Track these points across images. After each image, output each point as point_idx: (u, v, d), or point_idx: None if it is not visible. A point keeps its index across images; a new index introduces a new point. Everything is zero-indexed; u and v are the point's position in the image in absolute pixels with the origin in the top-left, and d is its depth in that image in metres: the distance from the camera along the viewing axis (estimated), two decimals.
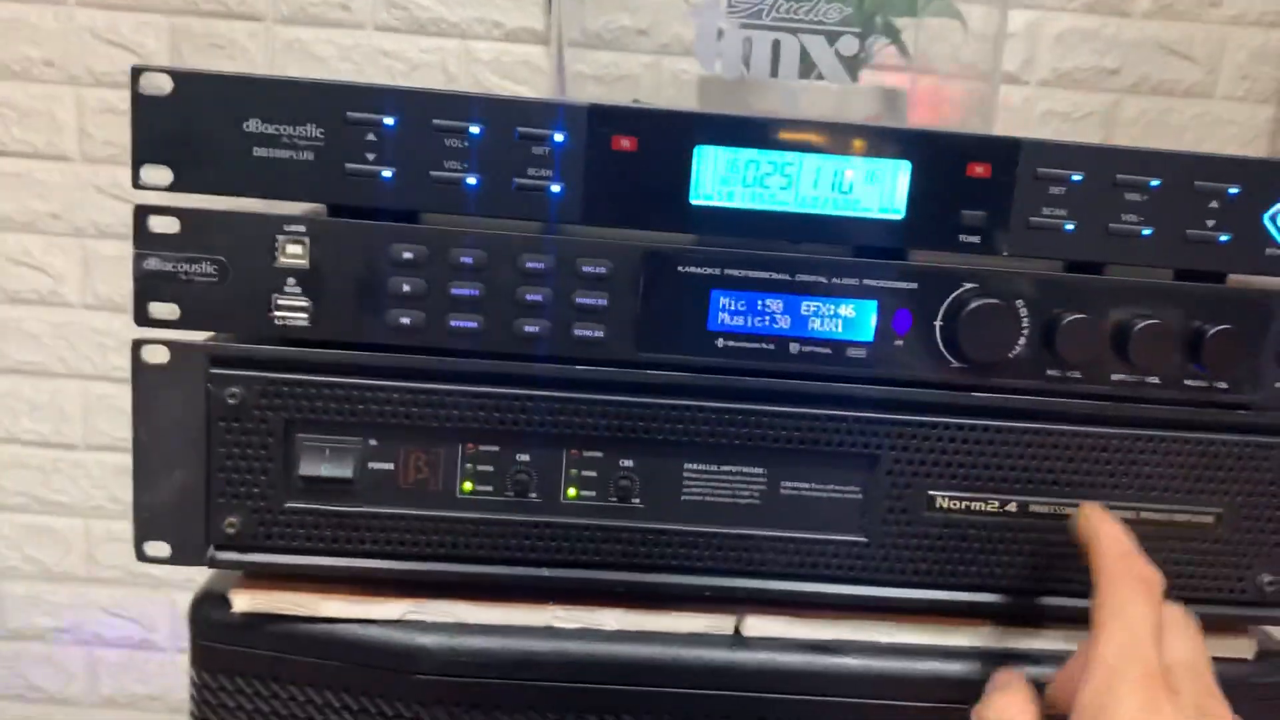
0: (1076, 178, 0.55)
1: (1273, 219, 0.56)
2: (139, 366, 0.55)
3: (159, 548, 0.57)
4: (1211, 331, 0.56)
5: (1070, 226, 0.55)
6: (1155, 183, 0.55)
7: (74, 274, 1.16)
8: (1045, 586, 0.59)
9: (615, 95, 1.12)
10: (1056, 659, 0.59)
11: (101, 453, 1.20)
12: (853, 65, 0.76)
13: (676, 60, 1.08)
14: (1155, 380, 0.57)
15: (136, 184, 0.53)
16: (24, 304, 1.17)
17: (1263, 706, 0.62)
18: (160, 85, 0.52)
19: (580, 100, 0.54)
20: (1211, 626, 0.60)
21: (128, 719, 1.27)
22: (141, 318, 0.55)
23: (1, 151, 1.14)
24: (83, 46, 1.12)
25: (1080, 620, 0.58)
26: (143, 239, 0.54)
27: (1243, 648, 0.62)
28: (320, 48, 1.13)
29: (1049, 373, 0.57)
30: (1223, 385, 0.57)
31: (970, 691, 0.57)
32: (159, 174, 0.53)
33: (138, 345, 0.55)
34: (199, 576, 0.61)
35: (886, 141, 0.55)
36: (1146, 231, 0.56)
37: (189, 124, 0.53)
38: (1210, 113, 1.17)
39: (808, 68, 0.57)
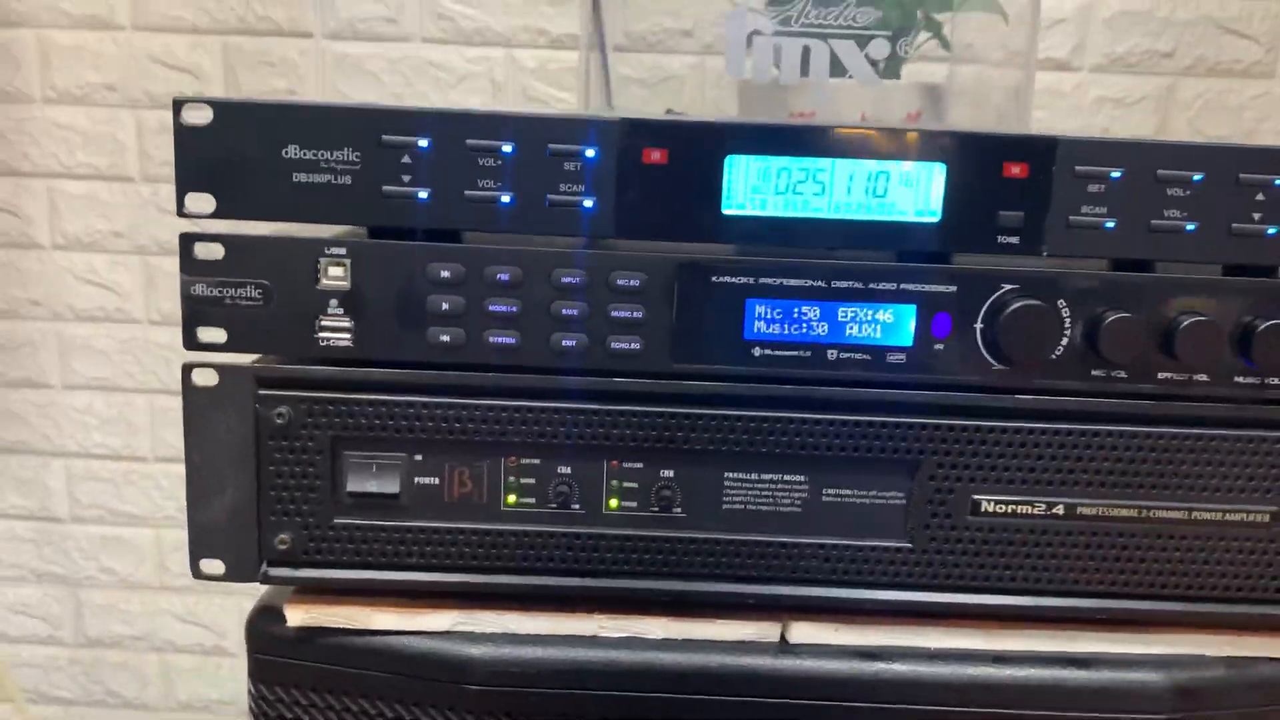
0: (1116, 174, 0.54)
1: None
2: (189, 389, 0.57)
3: (214, 565, 0.58)
4: (1262, 327, 0.55)
5: (1111, 224, 0.54)
6: (1198, 177, 0.54)
7: (138, 290, 1.19)
8: (1094, 589, 0.58)
9: (660, 97, 1.13)
10: (1107, 663, 0.58)
11: (170, 464, 1.23)
12: (893, 63, 0.75)
13: (720, 60, 1.08)
14: (1204, 378, 0.56)
15: (181, 212, 0.55)
16: (92, 321, 1.21)
17: None
18: (201, 116, 0.54)
19: (611, 114, 0.54)
20: (1271, 628, 0.59)
21: None
22: (190, 342, 0.56)
23: (67, 174, 1.17)
24: (141, 70, 1.15)
25: (1130, 622, 0.58)
26: (189, 265, 0.55)
27: None
28: (369, 61, 1.15)
29: (1094, 373, 0.56)
30: (1275, 381, 0.56)
31: (1020, 697, 0.57)
32: (203, 202, 0.55)
33: (187, 369, 0.57)
34: (260, 588, 0.62)
35: (920, 144, 0.54)
36: (1190, 227, 0.55)
37: (230, 152, 0.54)
38: (1271, 93, 1.14)
39: (839, 71, 0.57)
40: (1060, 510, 0.57)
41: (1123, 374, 0.56)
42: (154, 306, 1.20)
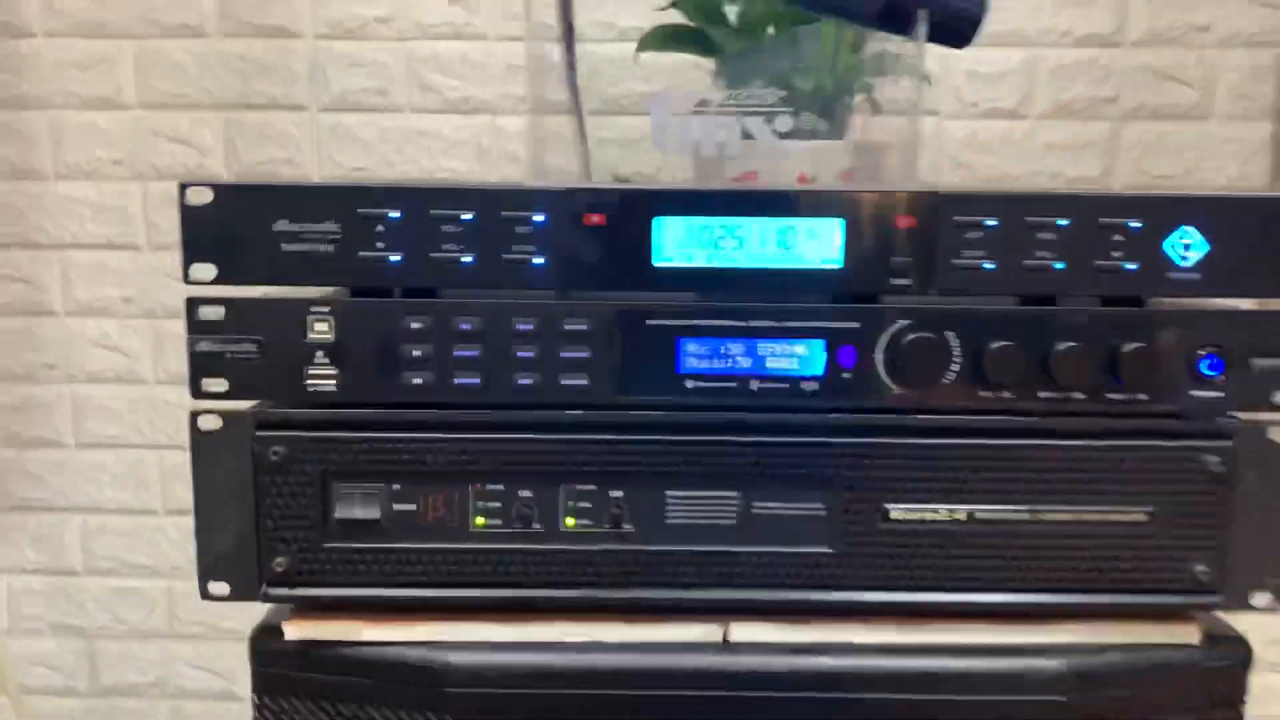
0: (991, 223, 0.63)
1: (1172, 246, 0.63)
2: (196, 433, 0.65)
3: (220, 587, 0.67)
4: (1125, 349, 0.63)
5: (990, 265, 0.63)
6: (1063, 222, 0.63)
7: (147, 352, 1.28)
8: (996, 585, 0.66)
9: (636, 157, 1.21)
10: (1011, 651, 0.66)
11: (179, 516, 1.31)
12: (835, 126, 0.84)
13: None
14: (1080, 396, 0.64)
15: (187, 280, 0.64)
16: (104, 383, 1.29)
17: (1210, 687, 0.68)
18: (203, 196, 0.63)
19: (555, 185, 0.63)
20: (1158, 615, 0.67)
21: None
22: (196, 392, 0.65)
23: (79, 245, 1.26)
24: (147, 145, 1.24)
25: (1030, 614, 0.66)
26: (194, 325, 0.64)
27: (1189, 634, 0.68)
28: (362, 130, 1.24)
29: (982, 394, 0.64)
30: (1143, 397, 0.64)
31: (935, 683, 0.64)
32: (205, 270, 0.64)
33: (195, 415, 0.65)
34: (261, 610, 0.70)
35: (821, 202, 0.63)
36: (1059, 265, 0.63)
37: (228, 227, 0.63)
38: (1210, 133, 1.22)
39: (750, 145, 0.66)
40: (962, 516, 0.65)
41: (1008, 394, 0.64)
42: (162, 367, 1.28)
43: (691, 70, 0.95)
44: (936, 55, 1.19)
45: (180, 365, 1.26)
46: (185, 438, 0.65)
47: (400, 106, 1.24)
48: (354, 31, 1.20)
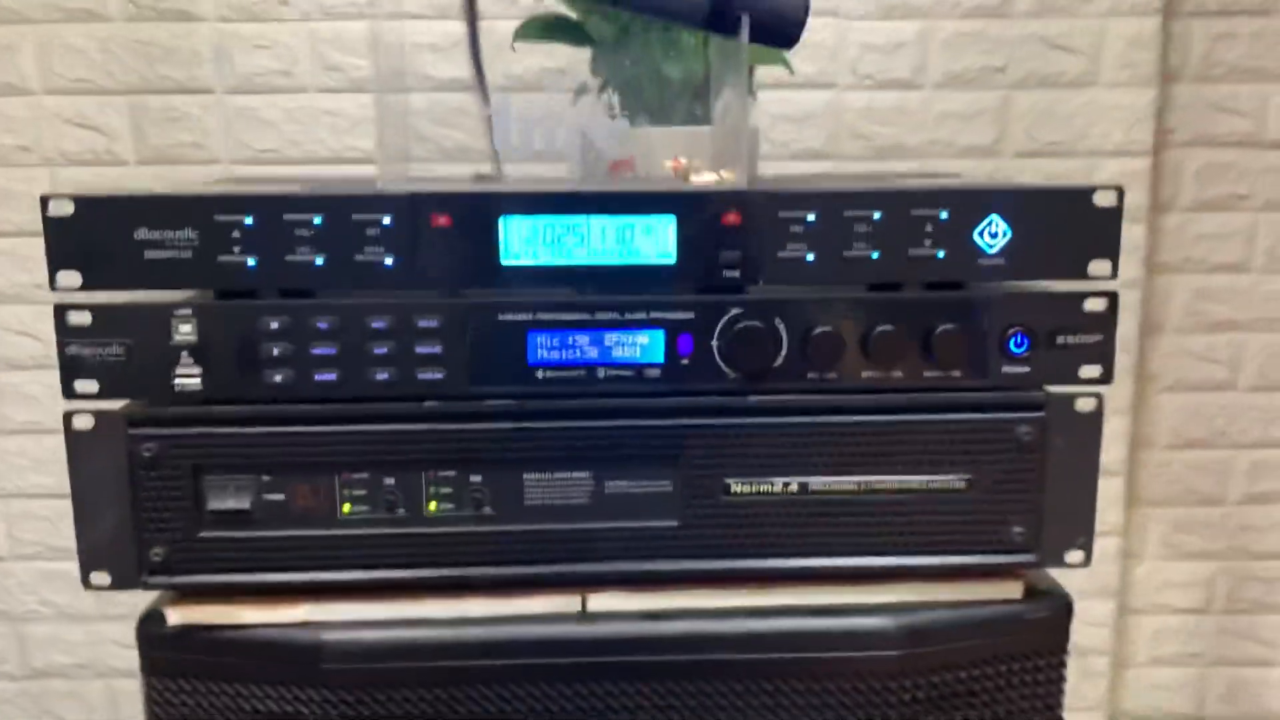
0: (811, 218, 0.67)
1: (980, 234, 0.68)
2: (70, 432, 0.68)
3: (101, 577, 0.70)
4: (937, 330, 0.68)
5: (811, 257, 0.68)
6: (878, 215, 0.68)
7: None
8: (830, 550, 0.72)
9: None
10: (846, 611, 0.72)
11: None
12: (705, 111, 0.88)
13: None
14: (899, 374, 0.69)
15: (53, 287, 0.67)
16: (22, 369, 1.30)
17: (1034, 637, 0.74)
18: (65, 208, 0.66)
19: (400, 188, 0.67)
20: (982, 574, 0.73)
21: None
22: (68, 392, 0.68)
23: None
24: (54, 131, 1.24)
25: (863, 577, 0.71)
26: (63, 330, 0.67)
27: (1012, 589, 0.74)
28: (268, 112, 1.25)
29: (809, 375, 0.69)
30: (956, 374, 0.69)
31: (777, 643, 0.70)
32: (70, 278, 0.67)
33: (68, 416, 0.68)
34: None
35: (654, 202, 0.67)
36: (875, 254, 0.68)
37: (90, 236, 0.66)
38: (1096, 100, 1.27)
39: (587, 147, 0.70)
40: (795, 488, 0.71)
41: (833, 375, 0.69)
42: None
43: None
44: (833, 29, 1.23)
45: None
46: None
47: (305, 87, 1.25)
48: (257, 14, 1.21)
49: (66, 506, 1.29)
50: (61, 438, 1.28)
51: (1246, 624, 1.41)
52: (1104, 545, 1.30)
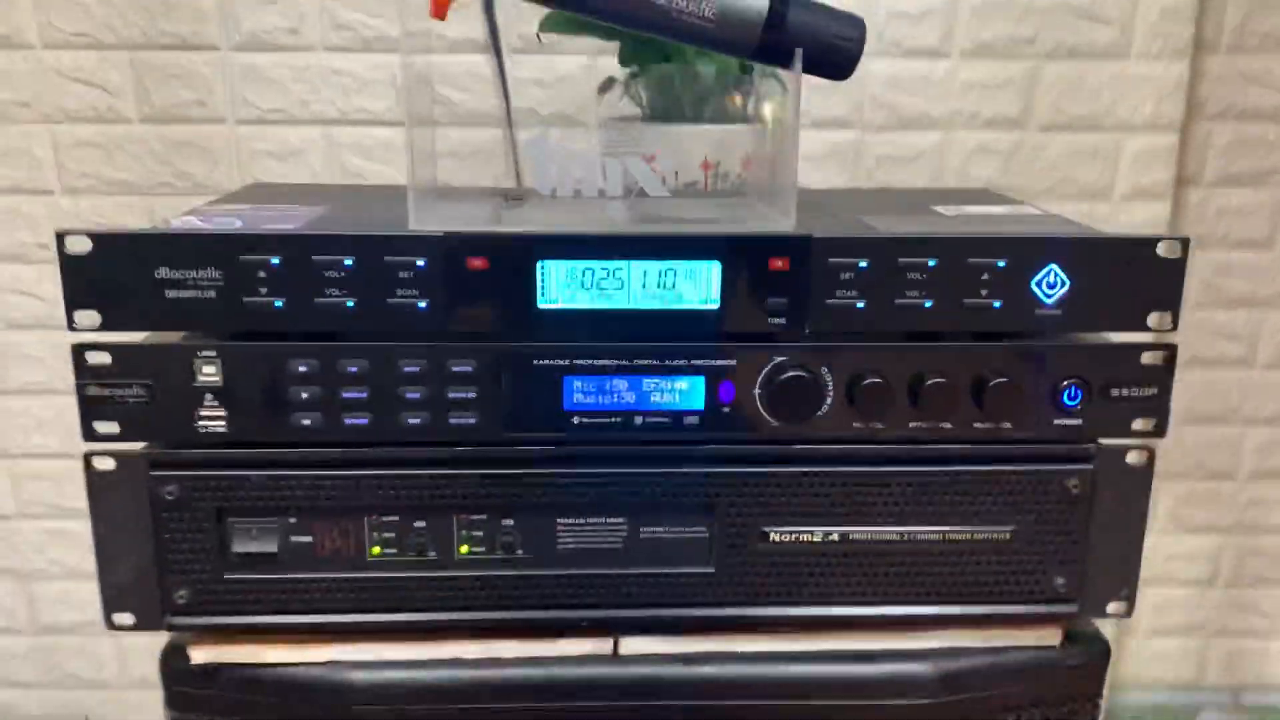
0: (863, 264, 0.64)
1: (1039, 285, 0.65)
2: (91, 474, 0.66)
3: (125, 618, 0.69)
4: (991, 383, 0.66)
5: (861, 304, 0.65)
6: (933, 262, 0.65)
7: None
8: (869, 599, 0.70)
9: (559, 97, 1.20)
10: (884, 657, 0.71)
11: None
12: (736, 110, 0.84)
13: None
14: (948, 425, 0.67)
15: (71, 327, 0.64)
16: (23, 329, 1.27)
17: (1072, 680, 0.73)
18: (82, 246, 0.63)
19: (435, 230, 0.64)
20: (1023, 622, 0.72)
21: (158, 696, 1.41)
22: (89, 434, 0.65)
23: None
24: (53, 86, 1.20)
25: (901, 624, 0.70)
26: (82, 371, 0.64)
27: (1050, 636, 0.73)
28: (274, 71, 1.21)
29: (855, 425, 0.67)
30: (1007, 425, 0.67)
31: (814, 689, 0.69)
32: (89, 317, 0.64)
33: (88, 457, 0.66)
34: None
35: (699, 246, 0.64)
36: (928, 303, 0.65)
37: (110, 275, 0.63)
38: (1126, 72, 1.23)
39: (631, 183, 0.66)
40: (835, 538, 0.69)
41: (879, 425, 0.67)
42: None
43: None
44: None
45: None
46: None
47: (313, 45, 1.21)
48: None
49: (70, 466, 1.31)
50: (65, 400, 1.28)
51: (1251, 597, 1.41)
52: None
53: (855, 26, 0.65)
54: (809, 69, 0.66)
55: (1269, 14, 1.22)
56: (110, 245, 0.63)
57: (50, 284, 1.24)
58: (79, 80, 1.20)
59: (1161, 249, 0.65)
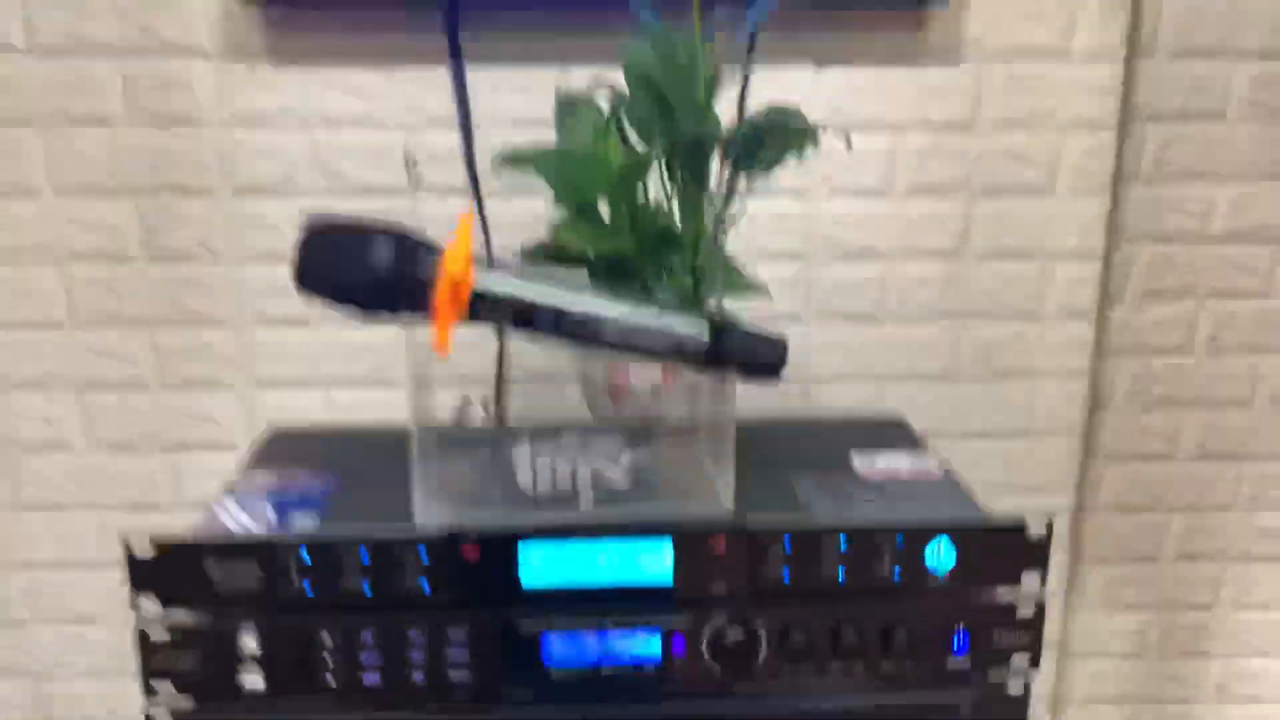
0: (787, 545, 0.79)
1: (931, 555, 0.80)
2: None
3: None
4: (894, 634, 0.81)
5: (786, 578, 0.80)
6: (844, 547, 0.79)
7: (76, 426, 1.34)
8: None
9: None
10: None
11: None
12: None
13: None
14: (860, 668, 0.82)
15: (134, 609, 0.77)
16: (36, 453, 1.35)
17: None
18: (146, 550, 0.76)
19: (435, 530, 0.78)
20: None
21: None
22: (148, 691, 0.79)
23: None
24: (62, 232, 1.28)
25: None
26: (145, 647, 0.78)
27: None
28: (271, 216, 1.30)
29: (786, 668, 0.82)
30: (909, 665, 0.82)
31: None
32: (151, 603, 0.77)
33: (148, 715, 0.80)
34: None
35: (653, 527, 0.79)
36: (840, 575, 0.80)
37: (167, 570, 0.77)
38: (1052, 210, 1.35)
39: (598, 480, 0.81)
40: None
41: (805, 667, 0.82)
42: (92, 437, 1.34)
43: None
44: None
45: (108, 429, 1.35)
46: None
47: (308, 190, 1.30)
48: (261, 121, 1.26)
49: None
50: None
51: (1175, 668, 1.57)
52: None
53: (776, 347, 0.79)
54: (746, 375, 0.79)
55: (1183, 145, 1.35)
56: (168, 548, 0.77)
57: (59, 408, 1.34)
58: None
59: (1031, 531, 0.80)
